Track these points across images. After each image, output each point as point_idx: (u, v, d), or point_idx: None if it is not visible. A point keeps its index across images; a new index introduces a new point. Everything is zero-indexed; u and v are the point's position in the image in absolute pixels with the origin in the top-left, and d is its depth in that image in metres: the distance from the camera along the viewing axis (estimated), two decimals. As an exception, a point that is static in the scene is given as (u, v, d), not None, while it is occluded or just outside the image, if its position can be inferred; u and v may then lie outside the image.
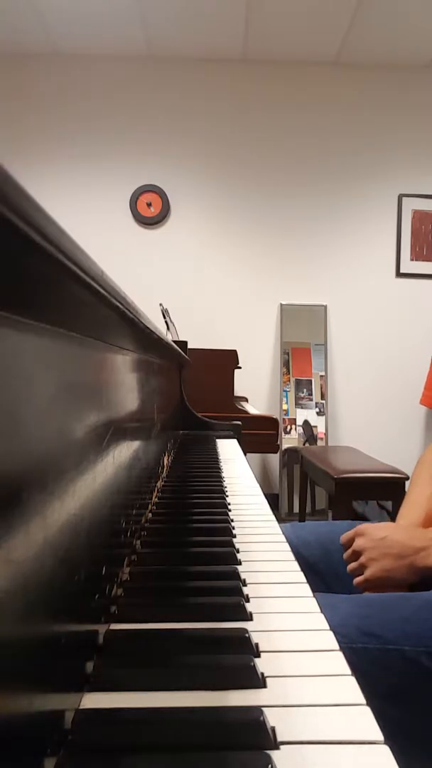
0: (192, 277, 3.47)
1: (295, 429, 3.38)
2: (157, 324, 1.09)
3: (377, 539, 0.86)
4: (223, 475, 1.20)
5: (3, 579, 0.24)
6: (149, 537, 0.71)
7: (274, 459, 3.43)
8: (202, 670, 0.39)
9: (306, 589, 0.56)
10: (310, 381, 3.43)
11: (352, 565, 0.87)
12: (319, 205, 3.51)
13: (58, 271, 0.29)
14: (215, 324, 3.44)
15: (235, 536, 0.72)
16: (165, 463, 1.17)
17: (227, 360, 2.74)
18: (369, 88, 3.49)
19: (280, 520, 0.85)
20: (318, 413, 3.41)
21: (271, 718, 0.34)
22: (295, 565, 0.63)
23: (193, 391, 1.95)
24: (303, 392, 3.42)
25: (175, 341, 1.95)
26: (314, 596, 0.54)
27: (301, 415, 3.40)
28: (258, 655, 0.42)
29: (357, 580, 0.86)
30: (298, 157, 3.50)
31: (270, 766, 0.30)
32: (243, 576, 0.57)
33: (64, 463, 0.36)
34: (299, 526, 1.10)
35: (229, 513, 0.85)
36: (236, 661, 0.40)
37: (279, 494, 3.34)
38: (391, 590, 0.82)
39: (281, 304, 3.48)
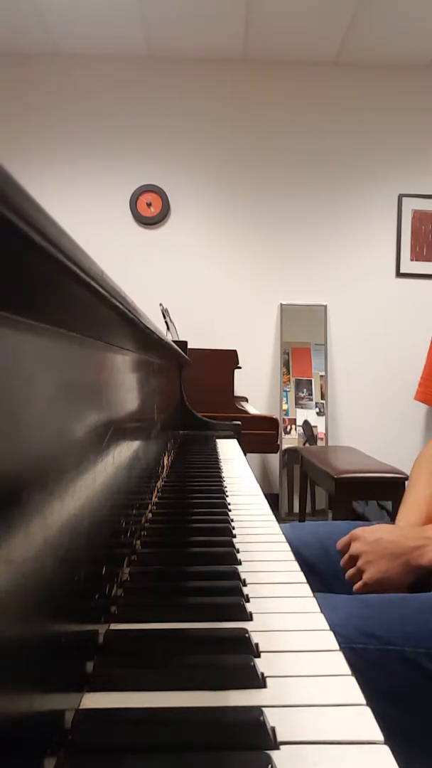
0: (192, 277, 3.47)
1: (295, 429, 3.38)
2: (157, 324, 1.09)
3: (372, 542, 0.85)
4: (223, 475, 1.20)
5: (3, 579, 0.24)
6: (149, 537, 0.71)
7: (274, 459, 3.43)
8: (202, 670, 0.39)
9: (306, 589, 0.56)
10: (310, 381, 3.43)
11: (350, 572, 0.87)
12: (319, 205, 3.51)
13: (58, 271, 0.29)
14: (215, 324, 3.44)
15: (235, 536, 0.72)
16: (165, 463, 1.17)
17: (227, 360, 2.74)
18: (369, 88, 3.49)
19: (280, 520, 0.85)
20: (318, 413, 3.41)
21: (271, 718, 0.34)
22: (295, 565, 0.63)
23: (193, 391, 1.95)
24: (303, 392, 3.42)
25: (175, 341, 1.95)
26: (314, 596, 0.54)
27: (301, 415, 3.40)
28: (258, 655, 0.42)
29: (356, 586, 0.85)
30: (298, 157, 3.50)
31: (270, 766, 0.30)
32: (243, 576, 0.57)
33: (64, 463, 0.36)
34: (299, 526, 1.10)
35: (229, 513, 0.85)
36: (236, 661, 0.40)
37: (279, 494, 3.34)
38: (391, 592, 0.82)
39: (281, 304, 3.48)
